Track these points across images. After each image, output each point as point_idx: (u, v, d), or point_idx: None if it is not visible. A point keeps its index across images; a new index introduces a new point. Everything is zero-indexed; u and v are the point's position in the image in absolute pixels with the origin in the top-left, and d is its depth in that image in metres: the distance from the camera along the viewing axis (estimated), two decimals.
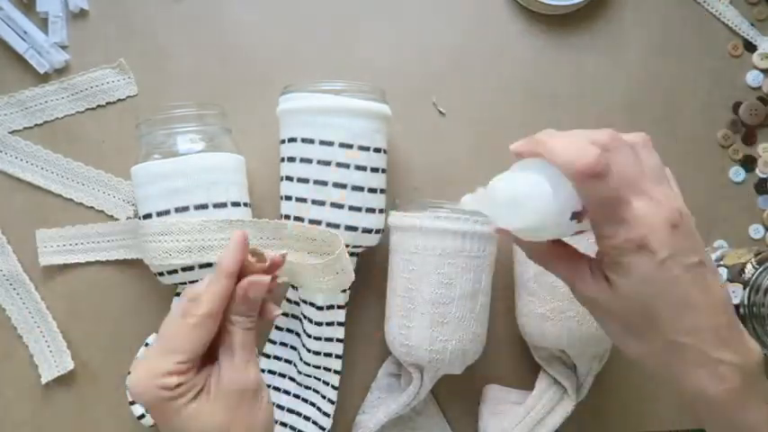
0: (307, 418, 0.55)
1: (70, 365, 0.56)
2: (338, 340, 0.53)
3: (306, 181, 0.51)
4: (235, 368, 0.38)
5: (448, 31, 0.62)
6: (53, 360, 0.56)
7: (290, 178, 0.52)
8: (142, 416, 0.52)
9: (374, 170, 0.52)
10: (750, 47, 0.64)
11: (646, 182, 0.35)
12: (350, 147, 0.50)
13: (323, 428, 0.54)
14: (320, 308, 0.52)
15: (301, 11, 0.61)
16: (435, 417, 0.58)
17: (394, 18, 0.62)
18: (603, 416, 0.60)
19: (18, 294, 0.57)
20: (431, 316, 0.50)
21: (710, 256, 0.51)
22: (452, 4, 0.62)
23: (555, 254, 0.39)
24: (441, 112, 0.62)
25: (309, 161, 0.51)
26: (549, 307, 0.52)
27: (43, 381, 0.56)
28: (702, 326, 0.35)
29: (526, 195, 0.35)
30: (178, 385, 0.37)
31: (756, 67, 0.64)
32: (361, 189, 0.51)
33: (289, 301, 0.56)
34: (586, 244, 0.39)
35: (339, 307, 0.53)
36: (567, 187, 0.34)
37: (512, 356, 0.60)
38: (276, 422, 0.56)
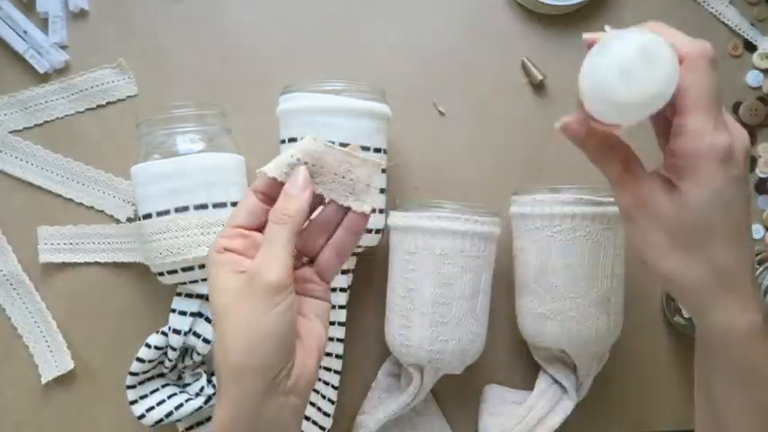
0: (307, 418, 0.55)
1: (70, 365, 0.56)
2: (338, 340, 0.53)
3: None
4: (258, 257, 0.36)
5: (448, 31, 0.62)
6: (53, 360, 0.56)
7: None
8: (142, 416, 0.52)
9: None
10: (750, 47, 0.64)
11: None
12: None
13: (323, 428, 0.54)
14: None
15: (301, 11, 0.61)
16: (435, 417, 0.58)
17: (394, 18, 0.62)
18: (603, 416, 0.60)
19: (18, 294, 0.57)
20: (431, 316, 0.50)
21: None
22: (452, 4, 0.62)
23: (620, 150, 0.38)
24: (441, 112, 0.62)
25: None
26: (549, 307, 0.52)
27: (43, 381, 0.56)
28: (746, 257, 0.35)
29: (655, 54, 0.32)
30: (226, 249, 0.37)
31: (756, 67, 0.63)
32: None
33: None
34: None
35: (340, 307, 0.53)
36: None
37: (512, 356, 0.60)
38: None
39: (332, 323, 0.53)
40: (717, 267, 0.35)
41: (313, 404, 0.55)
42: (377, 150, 0.52)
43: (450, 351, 0.51)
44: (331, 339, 0.53)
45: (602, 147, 0.38)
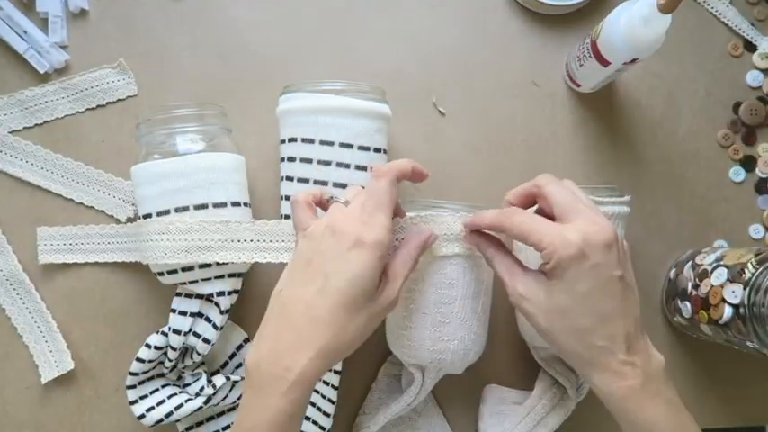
0: (307, 418, 0.55)
1: (70, 365, 0.56)
2: None
3: (306, 181, 0.51)
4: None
5: (448, 31, 0.62)
6: (53, 360, 0.56)
7: (290, 178, 0.52)
8: (142, 416, 0.52)
9: None
10: (750, 47, 0.64)
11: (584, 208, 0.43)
12: (350, 147, 0.50)
13: (323, 428, 0.54)
14: None
15: (301, 11, 0.61)
16: (435, 417, 0.58)
17: (394, 18, 0.62)
18: (603, 416, 0.60)
19: (18, 294, 0.57)
20: (432, 316, 0.50)
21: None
22: (452, 4, 0.62)
23: (510, 258, 0.46)
24: (441, 112, 0.62)
25: (309, 161, 0.51)
26: None
27: (43, 381, 0.56)
28: (617, 333, 0.41)
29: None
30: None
31: (756, 67, 0.63)
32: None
33: None
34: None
35: None
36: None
37: (512, 356, 0.60)
38: None
39: None
40: (590, 346, 0.41)
41: (313, 404, 0.55)
42: (377, 150, 0.52)
43: (453, 351, 0.51)
44: None
45: (495, 243, 0.47)
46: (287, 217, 0.52)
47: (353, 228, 0.41)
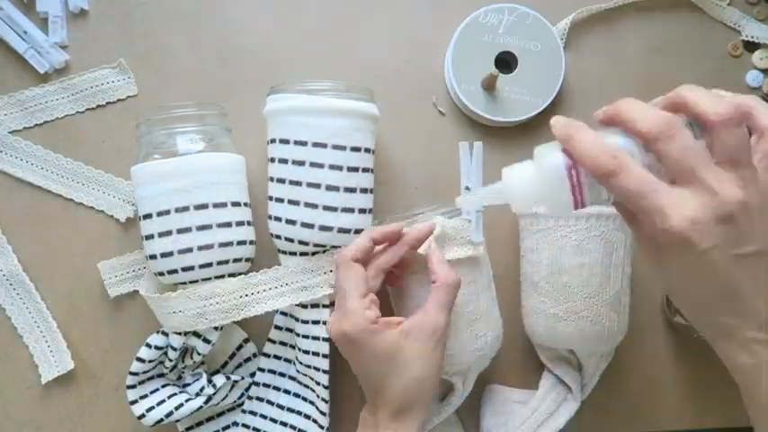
0: (307, 417, 0.55)
1: (70, 365, 0.56)
2: (324, 339, 0.52)
3: (283, 181, 0.51)
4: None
5: (448, 30, 0.62)
6: (53, 360, 0.56)
7: (271, 179, 0.52)
8: (142, 416, 0.52)
9: (352, 169, 0.51)
10: (750, 47, 0.64)
11: (699, 168, 0.35)
12: (324, 146, 0.50)
13: (322, 427, 0.54)
14: (305, 306, 0.53)
15: (301, 11, 0.61)
16: (454, 427, 0.57)
17: (394, 18, 0.62)
18: (607, 416, 0.60)
19: (18, 294, 0.57)
20: (465, 317, 0.50)
21: None
22: (452, 3, 0.62)
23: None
24: (441, 112, 0.62)
25: (285, 161, 0.51)
26: (562, 307, 0.52)
27: (43, 381, 0.56)
28: (746, 311, 0.36)
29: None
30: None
31: (756, 67, 0.63)
32: (336, 189, 0.50)
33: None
34: None
35: (324, 306, 0.53)
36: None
37: (513, 356, 0.59)
38: (276, 422, 0.56)
39: (317, 322, 0.53)
40: (710, 322, 0.39)
41: (312, 403, 0.55)
42: (355, 150, 0.51)
43: (490, 343, 0.52)
44: (317, 338, 0.52)
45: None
46: (276, 219, 0.52)
47: (336, 326, 0.46)
